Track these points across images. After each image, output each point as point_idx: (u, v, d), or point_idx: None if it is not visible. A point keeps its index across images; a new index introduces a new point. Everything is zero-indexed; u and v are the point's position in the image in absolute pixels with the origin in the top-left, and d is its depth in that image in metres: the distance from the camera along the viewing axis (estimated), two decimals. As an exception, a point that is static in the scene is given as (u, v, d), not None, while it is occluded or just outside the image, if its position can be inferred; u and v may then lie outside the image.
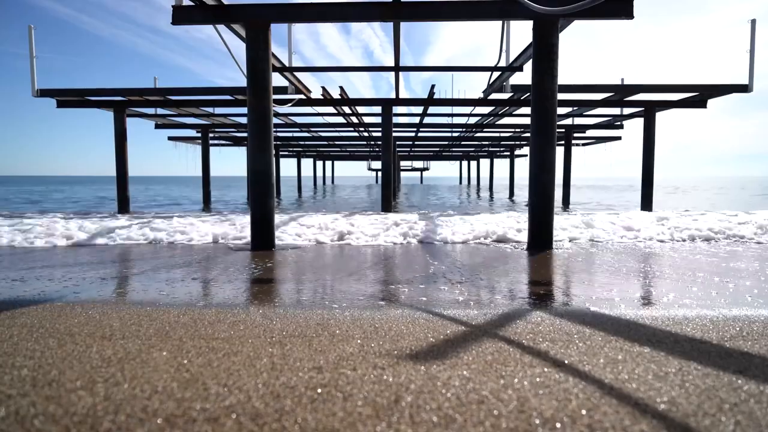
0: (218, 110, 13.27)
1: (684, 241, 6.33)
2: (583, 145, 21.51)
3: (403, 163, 44.05)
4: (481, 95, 10.67)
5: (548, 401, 1.62)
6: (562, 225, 7.27)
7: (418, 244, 6.29)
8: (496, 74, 8.98)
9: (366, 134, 18.34)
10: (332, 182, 48.82)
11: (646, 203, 12.42)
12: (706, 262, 4.73)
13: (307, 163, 73.32)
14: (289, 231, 6.90)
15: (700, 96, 11.34)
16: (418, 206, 16.47)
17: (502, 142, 22.27)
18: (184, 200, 20.59)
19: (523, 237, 6.40)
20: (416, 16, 5.90)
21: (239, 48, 8.62)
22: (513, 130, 17.27)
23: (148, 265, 4.71)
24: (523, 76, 8.51)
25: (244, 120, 14.50)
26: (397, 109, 14.09)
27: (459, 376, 1.84)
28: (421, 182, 55.59)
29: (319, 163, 41.38)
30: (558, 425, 1.47)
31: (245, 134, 17.82)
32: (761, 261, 4.76)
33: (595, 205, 17.06)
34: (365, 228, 7.15)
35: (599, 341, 2.28)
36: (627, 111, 13.37)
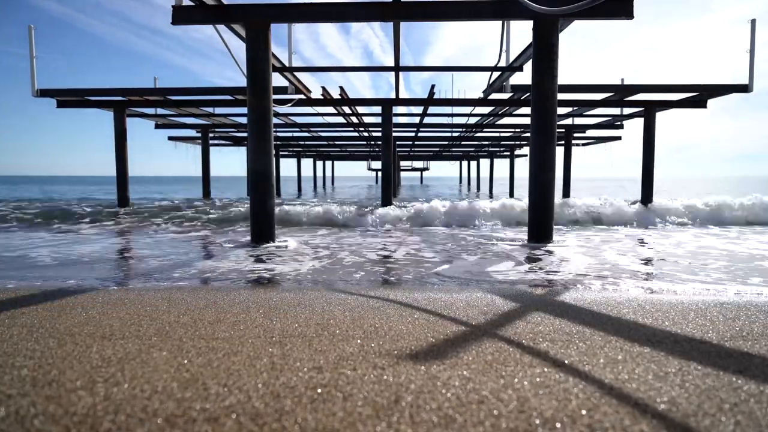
0: (218, 110, 13.27)
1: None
2: (583, 145, 21.51)
3: (403, 163, 43.99)
4: (481, 95, 10.68)
5: (548, 401, 1.62)
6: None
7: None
8: (496, 74, 8.99)
9: (366, 134, 18.34)
10: (332, 183, 48.80)
11: (646, 204, 12.41)
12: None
13: (307, 163, 73.31)
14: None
15: (700, 96, 11.34)
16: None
17: (502, 142, 22.27)
18: (180, 199, 20.58)
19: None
20: (416, 16, 5.90)
21: (239, 48, 8.62)
22: (513, 130, 17.27)
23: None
24: (523, 76, 8.52)
25: (244, 120, 14.50)
26: (397, 109, 14.09)
27: (459, 376, 1.84)
28: (421, 182, 55.61)
29: (319, 163, 41.33)
30: (558, 425, 1.46)
31: (245, 134, 17.82)
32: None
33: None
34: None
35: (599, 341, 2.27)
36: (627, 111, 13.37)
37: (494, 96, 10.80)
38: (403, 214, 9.50)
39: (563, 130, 16.38)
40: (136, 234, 7.96)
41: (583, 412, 1.55)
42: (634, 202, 11.45)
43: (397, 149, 24.55)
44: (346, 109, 12.73)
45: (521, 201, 9.89)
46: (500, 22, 7.46)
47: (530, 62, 6.42)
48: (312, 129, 16.94)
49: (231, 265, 4.75)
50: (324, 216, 9.38)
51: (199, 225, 9.34)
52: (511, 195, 23.86)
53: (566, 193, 16.96)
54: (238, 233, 7.86)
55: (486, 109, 13.05)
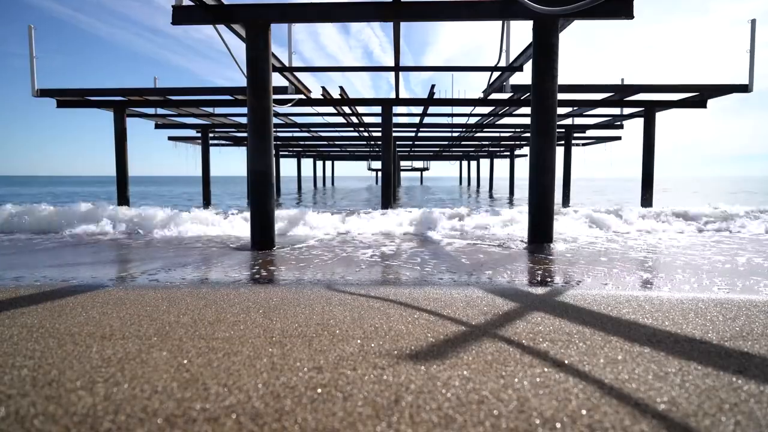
0: (218, 110, 13.27)
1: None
2: (583, 145, 21.51)
3: (403, 163, 44.02)
4: (481, 95, 10.67)
5: (548, 401, 1.62)
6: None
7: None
8: (496, 74, 8.98)
9: (366, 134, 18.34)
10: (332, 182, 48.83)
11: (646, 204, 12.40)
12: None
13: (307, 163, 73.35)
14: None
15: (700, 96, 11.34)
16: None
17: (502, 142, 22.28)
18: (180, 199, 20.58)
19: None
20: (416, 16, 5.90)
21: (239, 48, 8.60)
22: (513, 130, 17.27)
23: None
24: (523, 76, 8.52)
25: (244, 120, 14.50)
26: (397, 109, 14.09)
27: (459, 376, 1.84)
28: (421, 182, 55.66)
29: (319, 163, 41.37)
30: (558, 425, 1.46)
31: (245, 134, 17.82)
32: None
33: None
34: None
35: (599, 341, 2.27)
36: (627, 111, 13.37)
37: (494, 96, 10.80)
38: (404, 219, 9.48)
39: (563, 130, 16.36)
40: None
41: (583, 412, 1.55)
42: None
43: (397, 149, 24.55)
44: (346, 109, 12.73)
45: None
46: (500, 22, 7.46)
47: (530, 62, 6.41)
48: (312, 129, 16.94)
49: (229, 268, 4.75)
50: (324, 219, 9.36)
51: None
52: (511, 195, 23.88)
53: (566, 194, 16.91)
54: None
55: (486, 109, 13.05)
